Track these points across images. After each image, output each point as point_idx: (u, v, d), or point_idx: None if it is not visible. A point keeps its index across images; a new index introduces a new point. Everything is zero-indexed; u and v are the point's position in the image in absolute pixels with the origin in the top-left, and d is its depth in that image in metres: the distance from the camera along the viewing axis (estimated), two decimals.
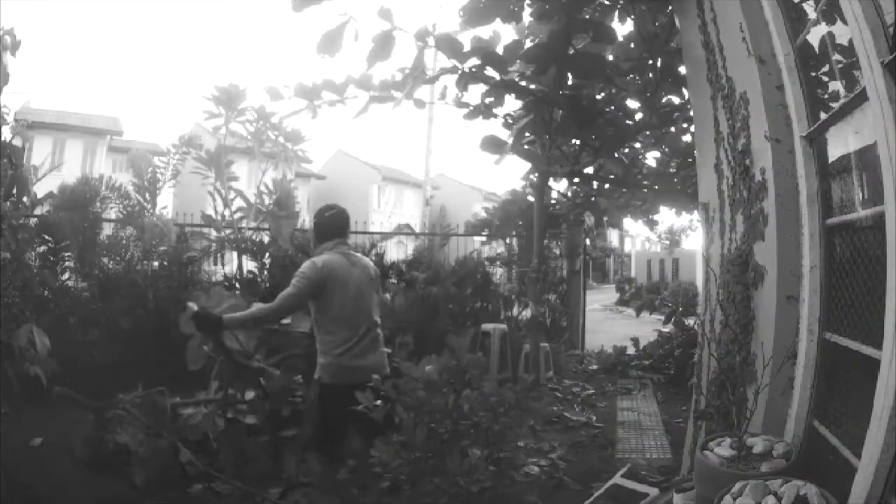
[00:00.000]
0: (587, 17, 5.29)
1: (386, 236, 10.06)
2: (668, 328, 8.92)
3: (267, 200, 7.26)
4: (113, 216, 7.15)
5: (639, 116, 6.78)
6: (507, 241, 10.55)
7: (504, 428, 3.82)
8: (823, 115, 2.31)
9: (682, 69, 5.26)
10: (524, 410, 2.92)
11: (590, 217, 9.84)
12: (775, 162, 2.55)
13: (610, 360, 8.68)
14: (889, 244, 1.70)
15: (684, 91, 6.02)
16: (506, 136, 6.54)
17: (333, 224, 3.46)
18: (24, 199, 5.44)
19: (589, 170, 8.12)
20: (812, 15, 2.47)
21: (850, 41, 1.91)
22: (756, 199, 2.73)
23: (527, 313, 8.64)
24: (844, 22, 1.92)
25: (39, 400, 3.93)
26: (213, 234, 7.35)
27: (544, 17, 5.01)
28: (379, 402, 2.78)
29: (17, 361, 3.74)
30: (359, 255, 3.58)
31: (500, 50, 5.61)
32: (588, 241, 11.70)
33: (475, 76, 5.54)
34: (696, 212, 6.06)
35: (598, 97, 6.70)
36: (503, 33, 5.46)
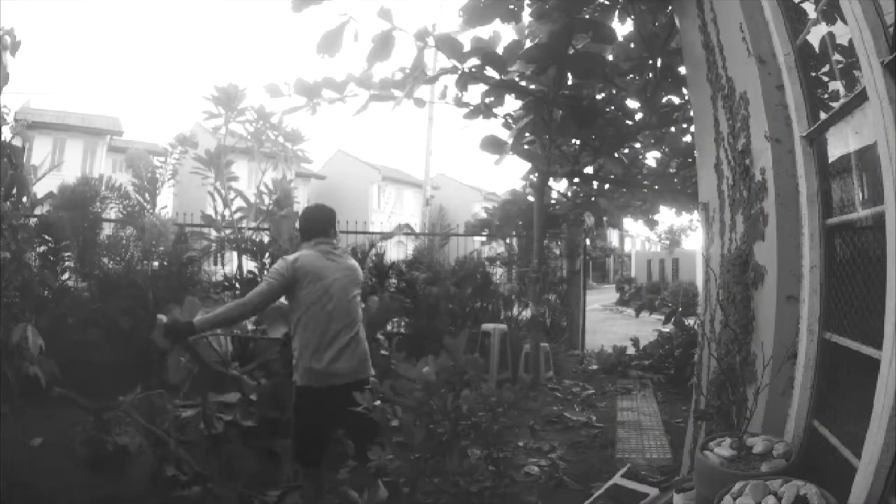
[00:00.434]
0: (587, 17, 5.29)
1: (386, 236, 10.04)
2: (668, 328, 8.92)
3: (267, 200, 7.26)
4: (113, 216, 7.15)
5: (639, 116, 6.78)
6: (507, 241, 10.55)
7: (503, 428, 3.83)
8: (823, 115, 2.31)
9: (682, 69, 5.26)
10: (524, 410, 2.92)
11: (590, 217, 9.84)
12: (775, 162, 2.55)
13: (610, 360, 8.68)
14: (889, 244, 1.70)
15: (684, 91, 6.02)
16: (506, 136, 6.55)
17: (315, 222, 3.40)
18: (24, 199, 5.44)
19: (589, 170, 8.13)
20: (812, 15, 2.47)
21: (850, 41, 1.91)
22: (756, 199, 2.73)
23: (527, 313, 8.65)
24: (844, 22, 1.92)
25: (39, 400, 3.93)
26: (213, 234, 7.35)
27: (544, 17, 5.02)
28: (377, 402, 2.76)
29: (17, 362, 3.74)
30: (344, 255, 3.48)
31: (499, 50, 5.62)
32: (588, 241, 11.70)
33: (475, 76, 5.54)
34: (696, 212, 6.06)
35: (598, 97, 6.70)
36: (503, 33, 5.45)
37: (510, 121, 6.54)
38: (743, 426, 2.42)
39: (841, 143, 2.28)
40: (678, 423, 5.55)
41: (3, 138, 4.78)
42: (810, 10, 2.52)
